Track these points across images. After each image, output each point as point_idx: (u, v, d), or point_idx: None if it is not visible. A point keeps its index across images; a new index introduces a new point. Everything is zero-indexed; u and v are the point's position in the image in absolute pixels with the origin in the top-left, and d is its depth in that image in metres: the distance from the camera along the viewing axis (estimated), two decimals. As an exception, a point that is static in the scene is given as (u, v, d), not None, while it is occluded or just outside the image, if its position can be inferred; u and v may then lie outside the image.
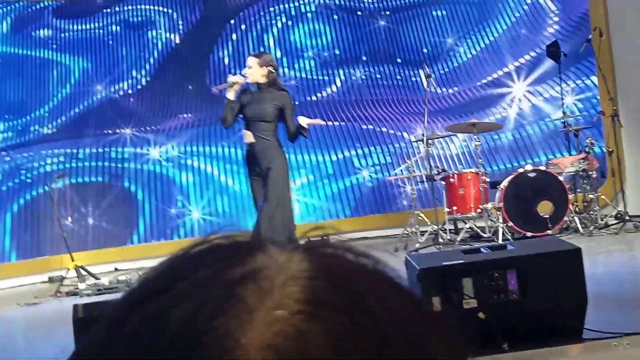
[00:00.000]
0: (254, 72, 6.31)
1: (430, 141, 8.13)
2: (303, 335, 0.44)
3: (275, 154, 6.21)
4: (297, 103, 6.61)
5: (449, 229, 8.22)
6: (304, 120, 6.26)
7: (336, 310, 0.45)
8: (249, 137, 6.26)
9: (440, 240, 7.85)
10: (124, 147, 9.84)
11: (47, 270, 9.11)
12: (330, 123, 6.22)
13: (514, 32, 9.84)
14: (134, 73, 10.08)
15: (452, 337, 0.50)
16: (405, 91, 10.07)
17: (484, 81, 9.90)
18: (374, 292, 0.48)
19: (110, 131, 9.83)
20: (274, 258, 0.48)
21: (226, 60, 10.27)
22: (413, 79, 9.98)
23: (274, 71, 6.33)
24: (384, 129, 10.05)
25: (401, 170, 8.47)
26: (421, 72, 8.18)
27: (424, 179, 8.40)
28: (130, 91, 10.05)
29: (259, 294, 0.45)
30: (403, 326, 0.47)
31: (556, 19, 9.60)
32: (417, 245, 7.86)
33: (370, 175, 10.06)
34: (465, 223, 8.15)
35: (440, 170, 8.31)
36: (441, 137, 8.31)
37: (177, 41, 10.19)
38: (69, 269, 8.25)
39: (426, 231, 8.11)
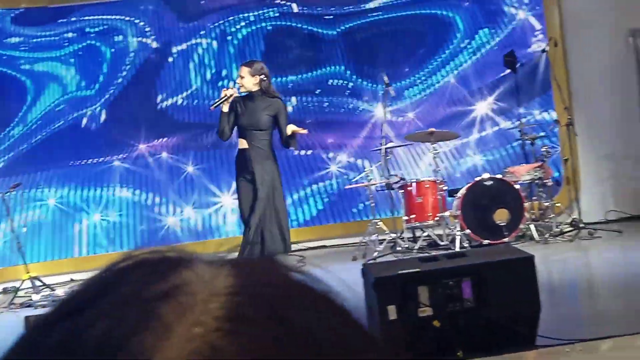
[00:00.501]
0: (246, 81, 6.35)
1: (388, 150, 8.18)
2: (219, 352, 0.43)
3: (269, 164, 6.26)
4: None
5: (408, 238, 8.26)
6: (290, 128, 6.30)
7: (256, 326, 0.45)
8: (243, 144, 6.33)
9: (399, 248, 7.88)
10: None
11: (2, 281, 8.96)
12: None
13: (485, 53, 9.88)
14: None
15: (388, 352, 0.50)
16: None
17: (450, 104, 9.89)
18: (299, 308, 0.47)
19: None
20: (199, 274, 0.47)
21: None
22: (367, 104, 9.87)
23: (265, 79, 6.36)
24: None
25: (360, 178, 8.49)
26: (384, 77, 8.21)
27: (383, 188, 8.43)
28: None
29: (178, 310, 0.44)
30: (328, 342, 0.46)
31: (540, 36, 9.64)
32: (376, 253, 7.88)
33: (330, 184, 10.06)
34: (424, 231, 8.20)
35: (398, 179, 8.35)
36: (399, 147, 8.35)
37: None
38: (23, 280, 8.12)
39: (385, 240, 8.14)
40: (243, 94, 6.40)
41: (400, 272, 3.86)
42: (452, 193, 8.30)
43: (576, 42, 9.19)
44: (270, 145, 6.33)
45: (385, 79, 8.24)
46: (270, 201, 6.25)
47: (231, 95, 6.33)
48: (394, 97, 8.31)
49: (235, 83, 6.55)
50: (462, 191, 8.03)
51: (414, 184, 8.19)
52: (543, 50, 8.89)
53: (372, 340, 0.50)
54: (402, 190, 8.26)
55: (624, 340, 3.87)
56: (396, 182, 8.31)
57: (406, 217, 8.18)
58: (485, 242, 7.70)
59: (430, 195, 8.11)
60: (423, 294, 3.81)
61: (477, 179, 8.06)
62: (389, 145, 8.29)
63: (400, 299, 3.80)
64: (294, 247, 9.57)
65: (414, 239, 8.25)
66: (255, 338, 0.44)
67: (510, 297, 3.78)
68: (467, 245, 7.70)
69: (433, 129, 8.20)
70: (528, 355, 3.78)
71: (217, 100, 6.50)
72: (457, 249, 7.56)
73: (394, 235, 8.11)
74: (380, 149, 8.27)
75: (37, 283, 7.96)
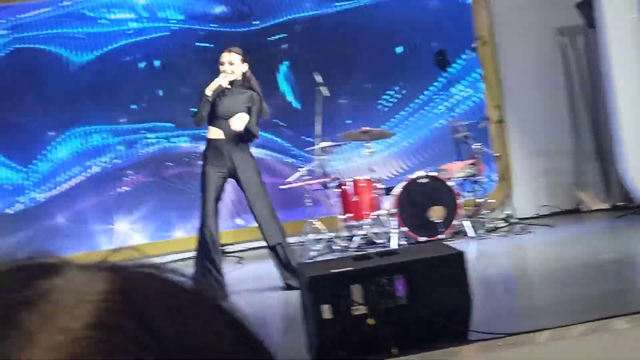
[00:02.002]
0: (237, 68, 6.09)
1: (324, 149, 8.21)
2: None
3: (247, 155, 6.07)
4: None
5: (345, 237, 8.29)
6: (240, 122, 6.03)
7: (122, 334, 0.44)
8: (215, 133, 6.04)
9: (336, 247, 7.91)
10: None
11: None
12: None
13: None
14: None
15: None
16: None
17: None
18: (172, 314, 0.46)
19: None
20: (70, 280, 0.46)
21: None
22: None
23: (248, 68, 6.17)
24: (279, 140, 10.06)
25: (295, 178, 8.49)
26: (317, 76, 8.22)
27: (319, 187, 8.45)
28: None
29: (40, 318, 0.43)
30: (203, 350, 0.45)
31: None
32: (313, 253, 7.89)
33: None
34: (361, 229, 8.24)
35: (333, 178, 8.38)
36: (334, 146, 8.38)
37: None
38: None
39: (322, 239, 8.15)
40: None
41: (333, 271, 3.87)
42: (388, 191, 8.36)
43: (505, 41, 9.35)
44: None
45: (318, 78, 8.25)
46: (258, 191, 6.11)
47: (220, 85, 6.02)
48: (328, 96, 8.32)
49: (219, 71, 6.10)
50: (398, 189, 8.09)
51: (349, 183, 8.23)
52: (472, 49, 9.02)
53: (260, 355, 0.49)
54: (339, 189, 8.29)
55: (557, 332, 3.94)
56: (332, 181, 8.34)
57: (343, 216, 8.21)
58: (422, 239, 7.78)
59: (366, 194, 8.16)
60: (356, 293, 3.83)
61: (412, 176, 8.13)
62: (323, 144, 8.31)
63: (335, 298, 3.81)
64: (231, 248, 9.54)
65: (351, 238, 8.28)
66: (121, 347, 0.43)
67: (442, 293, 3.83)
68: (404, 243, 7.77)
69: (367, 127, 8.25)
70: (461, 350, 3.83)
71: (211, 96, 6.05)
72: (395, 247, 7.61)
73: (331, 234, 8.13)
74: (314, 148, 8.29)
75: None
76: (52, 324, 0.43)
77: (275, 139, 10.05)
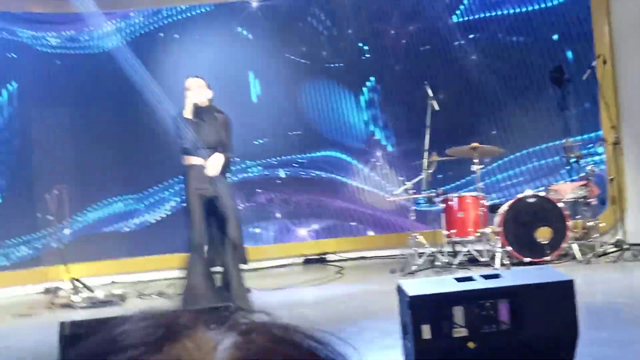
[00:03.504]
0: (204, 93, 6.26)
1: (431, 163, 8.14)
2: None
3: (221, 181, 6.20)
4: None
5: (448, 252, 8.19)
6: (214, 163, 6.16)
7: None
8: (191, 160, 6.21)
9: (438, 263, 7.82)
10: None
11: (44, 281, 9.08)
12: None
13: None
14: None
15: None
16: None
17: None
18: None
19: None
20: (199, 346, 0.47)
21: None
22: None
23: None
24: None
25: (401, 191, 8.44)
26: (428, 89, 8.17)
27: (424, 201, 8.38)
28: None
29: None
30: None
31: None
32: (414, 267, 7.82)
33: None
34: (464, 246, 8.12)
35: (440, 193, 8.29)
36: (442, 160, 8.28)
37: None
38: (64, 281, 8.23)
39: (424, 253, 8.07)
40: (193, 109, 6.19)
41: (435, 291, 3.81)
42: (493, 209, 8.21)
43: (625, 60, 9.03)
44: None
45: (429, 91, 8.19)
46: (235, 218, 6.24)
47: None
48: (437, 110, 8.24)
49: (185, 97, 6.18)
50: (504, 207, 7.94)
51: (455, 199, 8.13)
52: (591, 68, 8.73)
53: None
54: (444, 205, 8.20)
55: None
56: (438, 196, 8.25)
57: (446, 232, 8.11)
58: (526, 260, 7.60)
59: (471, 211, 8.04)
60: (458, 315, 3.75)
61: (520, 195, 7.96)
62: (432, 158, 8.24)
63: (435, 319, 3.75)
64: (332, 257, 9.58)
65: (454, 254, 8.16)
66: None
67: (548, 321, 3.71)
68: (507, 262, 7.61)
69: (476, 144, 8.12)
70: (564, 381, 3.70)
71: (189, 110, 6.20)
72: (498, 266, 7.47)
73: (433, 249, 8.04)
74: (421, 162, 8.22)
75: (78, 284, 8.06)
76: None
77: (382, 150, 10.05)
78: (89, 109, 9.61)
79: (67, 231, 9.17)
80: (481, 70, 9.79)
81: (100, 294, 7.74)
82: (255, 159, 10.03)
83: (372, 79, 10.15)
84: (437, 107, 8.16)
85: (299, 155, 10.09)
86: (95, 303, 7.46)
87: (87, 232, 9.64)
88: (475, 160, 8.13)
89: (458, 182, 9.66)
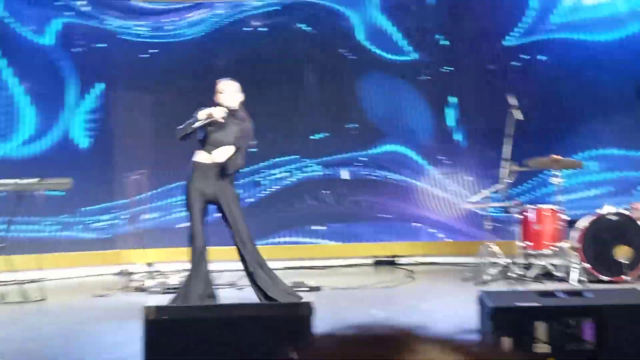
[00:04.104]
0: (237, 97, 6.30)
1: (511, 173, 8.02)
2: None
3: (226, 182, 6.21)
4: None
5: (522, 264, 8.06)
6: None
7: None
8: (203, 157, 6.22)
9: (511, 275, 7.70)
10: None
11: (118, 263, 9.28)
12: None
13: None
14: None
15: None
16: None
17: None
18: None
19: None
20: None
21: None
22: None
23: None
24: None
25: (478, 199, 8.35)
26: (511, 99, 8.07)
27: (500, 211, 8.27)
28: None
29: None
30: None
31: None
32: (486, 277, 7.73)
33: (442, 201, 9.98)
34: (539, 260, 7.98)
35: (517, 204, 8.17)
36: (521, 171, 8.16)
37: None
38: (138, 265, 8.39)
39: (497, 264, 7.97)
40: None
41: (518, 304, 3.77)
42: (571, 223, 8.05)
43: None
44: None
45: (513, 101, 8.07)
46: (240, 221, 6.27)
47: (213, 118, 6.20)
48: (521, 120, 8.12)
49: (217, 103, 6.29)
50: (584, 223, 7.78)
51: (533, 210, 8.00)
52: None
53: None
54: (520, 216, 8.07)
55: None
56: (514, 207, 8.13)
57: (522, 244, 7.99)
58: (604, 278, 7.45)
59: (549, 224, 7.90)
60: (540, 330, 3.70)
61: (601, 211, 7.79)
62: (511, 168, 8.12)
63: (517, 332, 3.71)
64: (402, 260, 9.54)
65: (528, 267, 8.03)
66: None
67: (634, 344, 3.63)
68: (584, 279, 7.46)
69: (558, 157, 7.98)
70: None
71: (200, 120, 6.24)
72: (574, 282, 7.34)
73: (507, 260, 7.93)
74: (500, 171, 8.12)
75: (152, 269, 8.21)
76: None
77: (454, 154, 9.98)
78: (174, 96, 9.75)
79: (145, 216, 9.34)
80: (562, 82, 9.65)
81: (173, 280, 7.85)
82: (313, 156, 10.04)
83: (448, 78, 10.09)
84: (520, 117, 8.04)
85: (361, 152, 10.07)
86: (168, 289, 7.58)
87: (164, 218, 9.80)
88: (557, 173, 7.98)
89: (533, 194, 9.52)
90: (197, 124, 6.22)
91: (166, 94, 9.73)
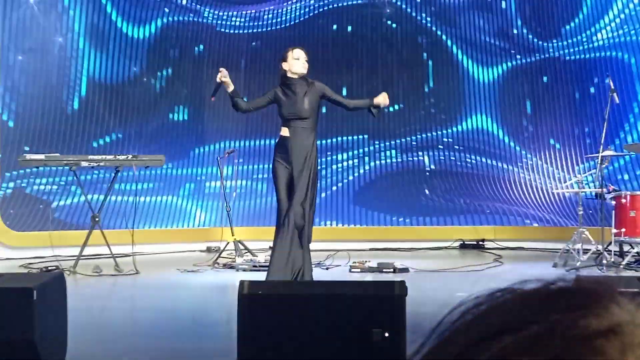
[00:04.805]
0: (306, 65, 6.23)
1: (605, 158, 7.81)
2: None
3: (313, 152, 6.13)
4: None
5: (614, 251, 7.85)
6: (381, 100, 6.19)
7: None
8: (285, 132, 6.19)
9: (604, 261, 7.52)
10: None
11: (205, 240, 9.44)
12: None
13: None
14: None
15: None
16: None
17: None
18: None
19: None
20: (629, 312, 0.46)
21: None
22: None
23: None
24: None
25: (570, 184, 8.17)
26: (609, 81, 7.85)
27: (593, 197, 8.06)
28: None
29: (621, 349, 0.44)
30: None
31: None
32: (578, 263, 7.56)
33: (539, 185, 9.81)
34: (633, 247, 7.77)
35: (611, 189, 7.95)
36: (617, 156, 7.94)
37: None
38: (228, 242, 8.52)
39: (589, 250, 7.78)
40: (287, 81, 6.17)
41: (621, 290, 3.66)
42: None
43: None
44: (314, 133, 6.15)
45: (611, 83, 7.85)
46: (312, 191, 6.15)
47: (223, 81, 6.17)
48: (617, 104, 7.89)
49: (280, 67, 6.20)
50: (684, 211, 7.52)
51: (628, 197, 7.77)
52: None
53: None
54: (615, 202, 7.86)
55: None
56: (609, 193, 7.92)
57: (615, 230, 7.77)
58: (702, 268, 7.20)
59: (644, 211, 7.67)
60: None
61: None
62: (606, 153, 7.90)
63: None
64: (490, 244, 9.43)
65: (621, 254, 7.82)
66: None
67: None
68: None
69: (657, 141, 7.73)
70: None
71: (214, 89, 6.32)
72: (670, 271, 7.12)
73: (599, 247, 7.74)
74: (596, 156, 7.91)
75: (240, 247, 8.32)
76: (631, 356, 0.44)
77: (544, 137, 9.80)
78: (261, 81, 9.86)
79: (234, 194, 9.48)
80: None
81: (261, 258, 7.95)
82: (390, 138, 10.04)
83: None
84: (617, 101, 7.81)
85: (443, 132, 10.02)
86: (256, 266, 7.67)
87: (252, 198, 9.93)
88: (654, 159, 7.74)
89: (628, 181, 9.27)
90: (214, 94, 6.38)
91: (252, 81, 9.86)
